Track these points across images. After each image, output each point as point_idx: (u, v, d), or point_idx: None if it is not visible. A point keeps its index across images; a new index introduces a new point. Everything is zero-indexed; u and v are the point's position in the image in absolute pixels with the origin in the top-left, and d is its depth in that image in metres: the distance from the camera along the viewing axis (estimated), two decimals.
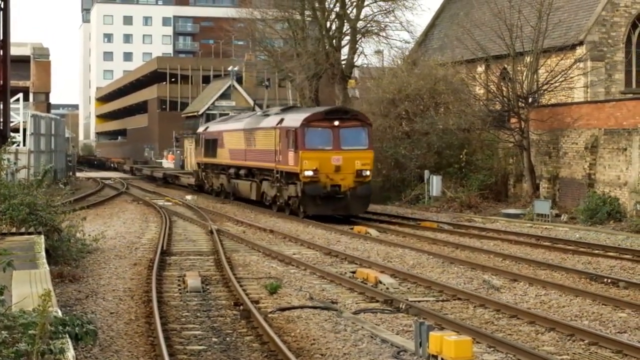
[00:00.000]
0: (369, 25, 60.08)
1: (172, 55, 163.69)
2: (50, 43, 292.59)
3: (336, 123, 38.75)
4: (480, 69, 53.45)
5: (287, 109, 45.75)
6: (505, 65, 49.74)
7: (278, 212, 41.86)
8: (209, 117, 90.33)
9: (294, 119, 39.51)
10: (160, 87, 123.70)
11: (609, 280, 22.48)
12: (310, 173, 37.96)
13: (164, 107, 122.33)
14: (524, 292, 21.43)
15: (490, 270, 24.07)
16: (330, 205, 38.40)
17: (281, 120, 40.42)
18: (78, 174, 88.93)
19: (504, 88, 46.62)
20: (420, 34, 68.26)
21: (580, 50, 50.31)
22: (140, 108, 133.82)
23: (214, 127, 56.53)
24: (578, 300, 20.23)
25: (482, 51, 51.04)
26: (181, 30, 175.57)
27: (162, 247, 29.02)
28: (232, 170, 49.73)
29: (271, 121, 42.22)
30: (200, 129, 60.76)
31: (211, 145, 54.23)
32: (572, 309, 19.28)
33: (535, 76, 45.43)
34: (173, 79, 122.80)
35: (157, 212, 44.24)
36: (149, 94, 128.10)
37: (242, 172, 47.44)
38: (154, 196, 57.81)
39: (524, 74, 45.52)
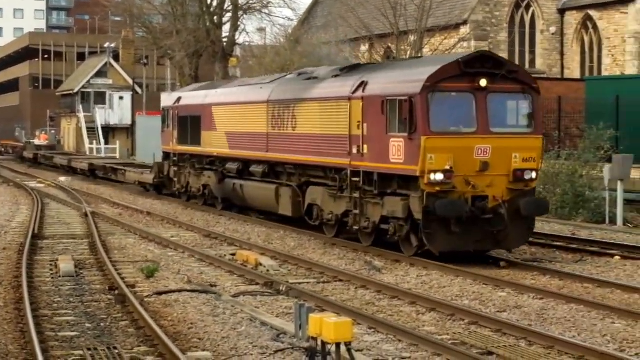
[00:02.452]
0: (251, 1, 59.39)
1: (45, 30, 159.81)
2: None
3: (483, 83, 22.78)
4: (364, 47, 54.21)
5: (357, 66, 28.79)
6: (390, 44, 49.94)
7: (348, 242, 26.26)
8: (85, 96, 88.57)
9: (401, 79, 23.84)
10: (32, 64, 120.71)
11: (490, 261, 23.04)
12: (440, 177, 22.19)
13: (36, 85, 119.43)
14: (405, 272, 21.85)
15: (372, 252, 24.34)
16: (471, 233, 22.65)
17: (363, 84, 24.80)
18: None
19: None
20: (303, 11, 67.90)
21: (464, 30, 51.12)
22: (11, 86, 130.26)
23: (195, 97, 37.54)
24: (459, 280, 20.69)
25: (366, 30, 51.50)
26: (55, 5, 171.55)
27: (34, 230, 28.09)
28: (233, 166, 33.51)
29: (338, 86, 26.41)
30: (168, 100, 40.60)
31: (190, 126, 36.79)
32: (453, 289, 19.68)
33: (419, 55, 45.66)
34: (46, 56, 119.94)
35: (28, 194, 42.91)
36: (21, 71, 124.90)
37: (257, 169, 31.47)
38: (26, 178, 56.04)
39: (408, 53, 45.90)
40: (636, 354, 14.25)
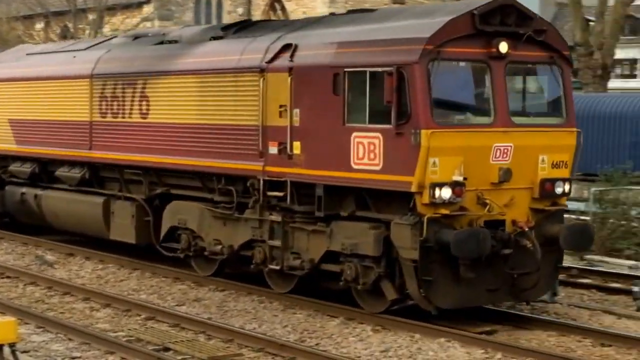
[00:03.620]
0: None
1: None
2: None
3: (503, 48, 14.79)
4: (40, 25, 52.10)
5: (254, 24, 19.55)
6: (67, 23, 47.97)
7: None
8: None
9: (374, 39, 15.16)
10: None
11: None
12: (447, 193, 14.35)
13: None
14: (79, 267, 20.71)
15: (45, 246, 22.80)
16: (484, 279, 14.92)
17: (289, 49, 16.38)
18: None
19: None
20: None
21: (148, 9, 49.84)
22: None
23: None
24: (137, 274, 19.79)
25: (41, 6, 49.60)
26: None
27: None
28: (22, 168, 23.74)
29: (235, 52, 17.59)
30: None
31: None
32: (130, 283, 18.98)
33: (97, 34, 42.92)
34: None
35: None
36: None
37: (69, 173, 22.04)
38: None
39: (87, 32, 43.98)
40: (317, 344, 14.24)
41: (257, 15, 56.14)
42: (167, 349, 13.79)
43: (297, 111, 16.11)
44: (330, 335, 14.85)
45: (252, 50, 17.17)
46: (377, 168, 14.74)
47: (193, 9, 55.36)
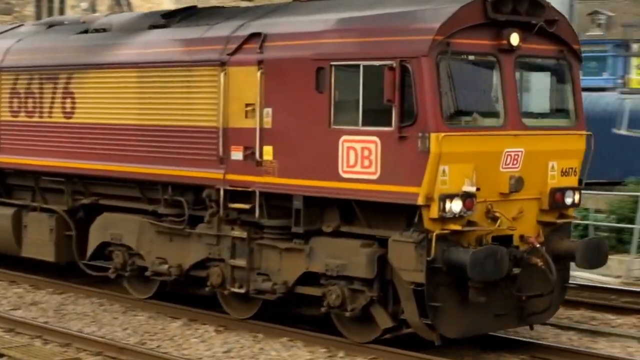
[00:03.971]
0: None
1: None
2: None
3: (514, 40, 12.83)
4: None
5: (200, 11, 16.79)
6: None
7: None
8: None
9: (368, 27, 13.05)
10: None
11: None
12: (458, 206, 12.32)
13: None
14: None
15: None
16: (493, 302, 12.96)
17: (257, 39, 14.15)
18: None
19: None
20: None
21: None
22: None
23: None
24: None
25: None
26: None
27: None
28: None
29: (185, 43, 15.32)
30: None
31: None
32: None
33: None
34: None
35: None
36: None
37: None
38: None
39: None
40: (158, 346, 13.92)
41: (102, 10, 53.41)
42: (1, 355, 13.17)
43: (268, 111, 13.94)
44: (172, 337, 14.47)
45: (209, 40, 14.90)
46: (374, 177, 12.71)
47: (34, 3, 53.09)
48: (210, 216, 14.79)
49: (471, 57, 12.82)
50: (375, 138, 12.65)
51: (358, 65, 12.83)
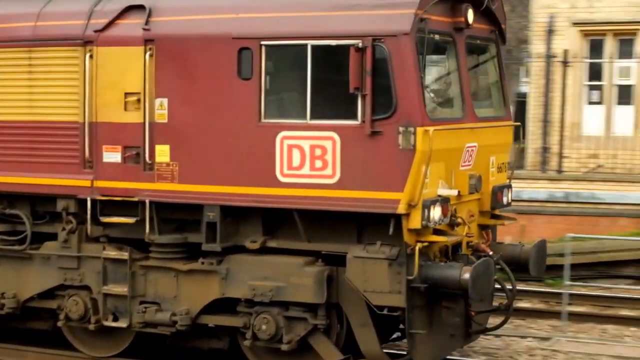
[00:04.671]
0: None
1: None
2: None
3: (470, 18, 11.06)
4: None
5: None
6: None
7: None
8: None
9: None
10: None
11: None
12: (438, 213, 10.39)
13: None
14: None
15: None
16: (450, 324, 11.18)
17: (143, 12, 11.31)
18: None
19: None
20: None
21: None
22: None
23: None
24: None
25: None
26: None
27: None
28: None
29: (57, 13, 11.84)
30: None
31: None
32: None
33: None
34: None
35: None
36: None
37: None
38: None
39: None
40: None
41: None
42: None
43: (162, 102, 11.21)
44: None
45: (62, 13, 11.82)
46: (330, 181, 10.49)
47: None
48: (69, 233, 11.76)
49: (437, 37, 10.90)
50: (331, 134, 10.41)
51: (304, 46, 10.50)
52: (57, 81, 11.67)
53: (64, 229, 11.85)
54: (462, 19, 11.04)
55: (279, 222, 11.05)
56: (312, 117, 10.49)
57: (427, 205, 10.26)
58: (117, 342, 12.06)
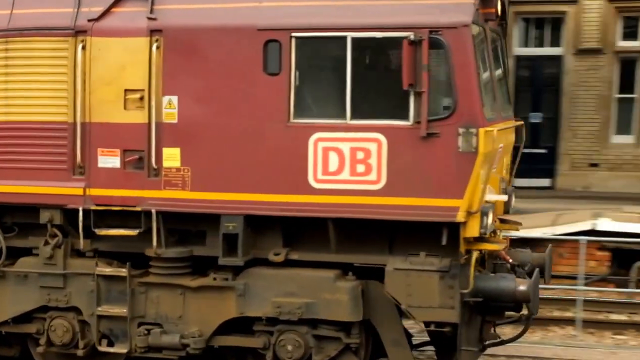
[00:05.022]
0: None
1: None
2: None
3: (499, 8, 10.32)
4: None
5: None
6: None
7: None
8: None
9: None
10: None
11: None
12: (490, 220, 9.75)
13: None
14: None
15: None
16: None
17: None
18: None
19: None
20: None
21: None
22: None
23: None
24: None
25: None
26: None
27: None
28: None
29: None
30: None
31: None
32: None
33: None
34: None
35: None
36: None
37: None
38: None
39: None
40: None
41: None
42: None
43: (170, 100, 10.00)
44: None
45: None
46: (375, 187, 9.57)
47: None
48: (54, 248, 10.41)
49: (478, 30, 10.11)
50: (377, 135, 9.50)
51: (344, 38, 9.55)
52: (41, 76, 10.29)
53: (47, 242, 10.47)
54: (493, 10, 10.28)
55: (300, 232, 10.04)
56: (353, 117, 9.54)
57: (486, 212, 9.50)
58: None
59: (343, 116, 9.57)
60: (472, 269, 9.48)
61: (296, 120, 9.65)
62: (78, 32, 10.16)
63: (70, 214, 10.35)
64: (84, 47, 10.11)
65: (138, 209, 10.08)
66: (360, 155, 9.52)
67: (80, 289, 10.44)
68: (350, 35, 9.50)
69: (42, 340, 10.65)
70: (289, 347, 9.98)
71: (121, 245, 10.38)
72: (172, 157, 9.98)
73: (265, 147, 9.71)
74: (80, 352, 10.50)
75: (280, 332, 10.03)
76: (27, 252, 10.73)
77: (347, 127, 9.54)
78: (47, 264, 10.48)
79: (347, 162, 9.54)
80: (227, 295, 10.08)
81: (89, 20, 10.14)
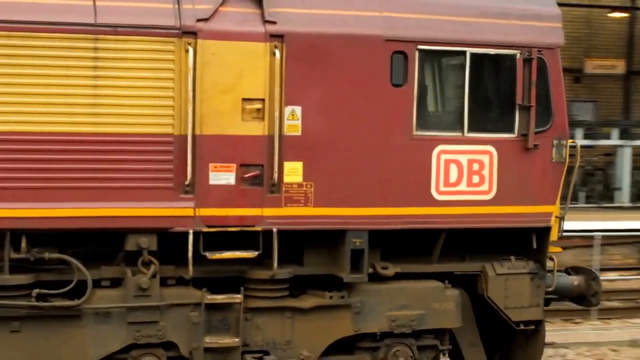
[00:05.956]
0: None
1: None
2: None
3: None
4: None
5: None
6: None
7: None
8: None
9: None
10: None
11: None
12: None
13: None
14: None
15: None
16: None
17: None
18: None
19: None
20: None
21: None
22: None
23: None
24: None
25: None
26: None
27: None
28: None
29: None
30: None
31: None
32: None
33: None
34: None
35: None
36: None
37: None
38: None
39: None
40: None
41: None
42: None
43: (294, 111, 9.45)
44: None
45: None
46: (486, 197, 10.11)
47: None
48: (151, 278, 9.18)
49: None
50: (489, 148, 10.07)
51: (463, 53, 9.93)
52: (139, 81, 8.96)
53: (136, 272, 9.13)
54: None
55: (395, 244, 10.11)
56: (470, 129, 9.94)
57: (563, 217, 10.48)
58: None
59: (461, 129, 9.89)
60: (555, 269, 10.40)
61: (419, 133, 9.74)
62: (185, 33, 9.05)
63: (169, 238, 9.17)
64: (193, 51, 9.05)
65: (258, 228, 9.32)
66: (475, 166, 9.95)
67: (177, 321, 9.29)
68: (469, 50, 9.86)
69: None
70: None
71: (216, 270, 9.44)
72: (294, 172, 9.40)
73: (389, 159, 9.64)
74: None
75: (389, 346, 9.96)
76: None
77: (465, 140, 9.89)
78: (139, 297, 9.14)
79: (464, 174, 9.90)
80: (343, 314, 9.77)
81: (198, 20, 9.10)
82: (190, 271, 9.15)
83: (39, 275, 8.99)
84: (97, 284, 9.18)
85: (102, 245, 9.22)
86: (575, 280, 10.85)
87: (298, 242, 9.66)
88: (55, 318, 9.00)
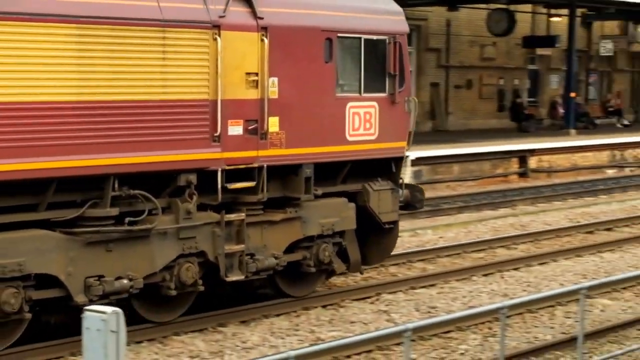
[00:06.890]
0: None
1: None
2: None
3: None
4: None
5: None
6: None
7: None
8: None
9: None
10: None
11: None
12: None
13: None
14: None
15: None
16: None
17: None
18: None
19: None
20: None
21: None
22: None
23: None
24: None
25: None
26: None
27: None
28: None
29: None
30: None
31: None
32: None
33: None
34: None
35: None
36: None
37: None
38: None
39: None
40: None
41: None
42: None
43: (274, 81, 13.30)
44: None
45: None
46: (373, 138, 14.66)
47: None
48: (194, 205, 12.68)
49: None
50: (374, 103, 14.69)
51: (360, 39, 14.40)
52: (189, 61, 12.34)
53: (185, 201, 12.54)
54: None
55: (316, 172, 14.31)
56: (364, 91, 14.46)
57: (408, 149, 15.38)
58: (178, 304, 13.08)
59: (359, 91, 14.37)
60: (403, 186, 15.27)
61: (339, 95, 14.06)
62: (214, 26, 12.58)
63: (206, 175, 12.67)
64: (220, 39, 12.61)
65: (255, 165, 13.13)
66: (367, 116, 14.48)
67: (206, 236, 12.82)
68: (363, 37, 14.31)
69: (172, 285, 12.61)
70: (327, 253, 14.24)
71: (225, 197, 13.03)
72: (274, 124, 13.29)
73: (324, 113, 13.85)
74: (200, 288, 12.92)
75: (318, 244, 14.18)
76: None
77: (362, 99, 14.37)
78: (186, 219, 12.56)
79: (362, 121, 14.38)
80: (295, 223, 13.81)
81: (220, 17, 12.65)
82: (220, 198, 12.74)
83: (122, 207, 12.07)
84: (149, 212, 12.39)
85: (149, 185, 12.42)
86: (406, 193, 15.71)
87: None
88: (133, 239, 12.16)
